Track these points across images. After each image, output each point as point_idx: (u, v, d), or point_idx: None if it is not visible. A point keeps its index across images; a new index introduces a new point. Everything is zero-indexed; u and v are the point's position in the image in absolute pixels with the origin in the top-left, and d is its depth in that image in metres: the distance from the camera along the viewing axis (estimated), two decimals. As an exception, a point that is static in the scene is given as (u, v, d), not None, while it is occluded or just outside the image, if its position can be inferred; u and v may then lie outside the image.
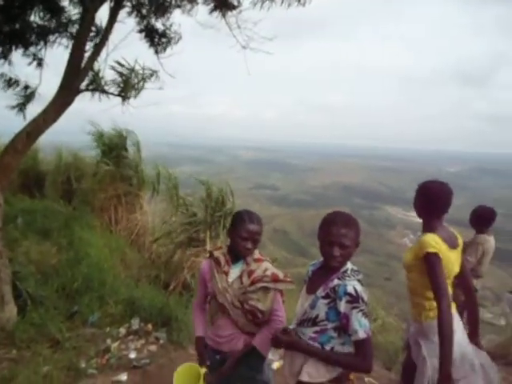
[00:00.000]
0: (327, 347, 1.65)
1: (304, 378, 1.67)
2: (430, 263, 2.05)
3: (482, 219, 3.68)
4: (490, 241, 3.60)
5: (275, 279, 1.97)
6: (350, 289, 1.59)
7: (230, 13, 5.62)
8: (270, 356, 2.92)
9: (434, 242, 2.08)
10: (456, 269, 2.21)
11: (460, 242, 2.26)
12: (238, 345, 2.00)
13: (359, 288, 1.61)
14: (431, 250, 2.04)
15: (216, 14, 5.60)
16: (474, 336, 2.27)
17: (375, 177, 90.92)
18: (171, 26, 6.01)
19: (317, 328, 1.67)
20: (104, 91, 4.96)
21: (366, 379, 3.65)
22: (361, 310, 1.58)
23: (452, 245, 2.17)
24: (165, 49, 6.07)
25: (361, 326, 1.57)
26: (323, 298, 1.67)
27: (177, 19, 6.26)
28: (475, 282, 3.58)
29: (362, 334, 1.57)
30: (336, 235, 1.65)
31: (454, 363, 2.03)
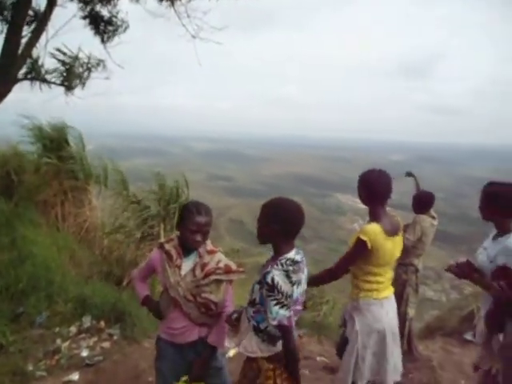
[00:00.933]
0: (262, 326, 1.73)
1: (240, 348, 1.79)
2: (354, 244, 2.23)
3: (422, 203, 3.93)
4: (426, 220, 3.84)
5: (228, 270, 2.00)
6: (269, 278, 1.63)
7: (179, 2, 5.50)
8: (226, 344, 2.99)
9: (372, 232, 2.20)
10: (397, 254, 2.36)
11: (401, 227, 2.41)
12: (192, 336, 2.02)
13: (278, 278, 1.64)
14: (363, 237, 2.18)
15: (165, 2, 5.47)
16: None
17: (326, 166, 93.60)
18: (118, 13, 5.78)
19: (254, 309, 1.75)
20: (45, 80, 4.69)
21: (318, 358, 3.83)
22: (274, 299, 1.63)
23: (393, 232, 2.30)
24: (112, 37, 5.84)
25: (272, 313, 1.63)
26: (257, 283, 1.74)
27: (124, 7, 6.03)
28: (417, 261, 3.84)
29: (271, 321, 1.64)
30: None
31: (385, 339, 2.26)
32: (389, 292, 2.39)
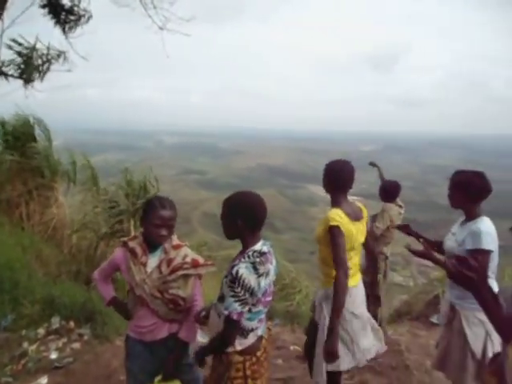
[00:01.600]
0: None
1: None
2: (331, 235, 2.23)
3: (388, 192, 4.04)
4: (394, 208, 3.95)
5: (196, 265, 1.98)
6: (234, 270, 1.64)
7: (144, -9, 5.36)
8: (200, 338, 2.98)
9: (337, 216, 2.25)
10: (360, 239, 2.41)
11: (364, 214, 2.46)
12: (161, 333, 2.00)
13: (243, 271, 1.63)
14: (333, 223, 2.22)
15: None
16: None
17: (298, 158, 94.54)
18: (79, 2, 5.55)
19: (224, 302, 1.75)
20: (1, 73, 4.45)
21: (292, 347, 3.89)
22: (233, 292, 1.62)
23: (355, 217, 2.36)
24: (74, 28, 5.61)
25: (226, 303, 1.64)
26: (226, 277, 1.73)
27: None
28: (386, 248, 3.96)
29: (223, 311, 1.65)
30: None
31: (352, 325, 2.31)
32: (356, 279, 2.43)
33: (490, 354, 2.19)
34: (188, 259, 1.98)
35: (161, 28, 5.92)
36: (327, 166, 2.46)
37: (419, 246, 2.31)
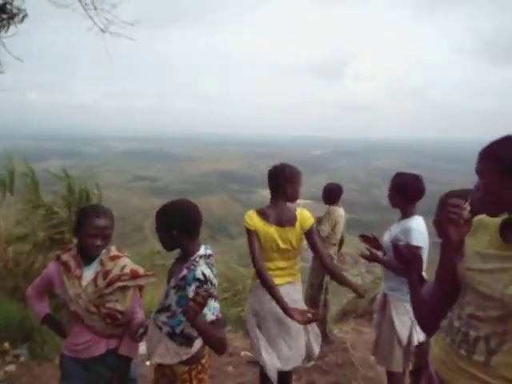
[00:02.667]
0: (177, 330, 1.70)
1: (155, 359, 1.72)
2: (247, 235, 2.41)
3: (331, 194, 4.17)
4: (338, 210, 4.10)
5: (135, 275, 1.91)
6: (198, 274, 1.62)
7: (84, -8, 5.15)
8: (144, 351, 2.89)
9: (247, 218, 2.41)
10: (287, 245, 2.40)
11: (300, 221, 2.43)
12: (99, 350, 1.90)
13: (207, 271, 1.65)
14: (245, 224, 2.41)
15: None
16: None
17: (250, 163, 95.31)
18: (13, 0, 5.22)
19: (168, 313, 1.71)
20: None
21: (242, 353, 3.89)
22: (209, 294, 1.61)
23: (278, 222, 2.40)
24: (6, 27, 5.27)
25: (209, 309, 1.61)
26: (173, 288, 1.70)
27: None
28: (332, 250, 4.07)
29: (210, 317, 1.62)
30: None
31: (267, 324, 2.38)
32: (281, 281, 2.41)
33: (415, 342, 2.41)
34: (126, 270, 1.90)
35: (102, 30, 5.71)
36: (270, 170, 2.53)
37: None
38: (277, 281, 2.39)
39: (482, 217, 1.35)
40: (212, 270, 1.69)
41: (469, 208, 1.22)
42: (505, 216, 1.29)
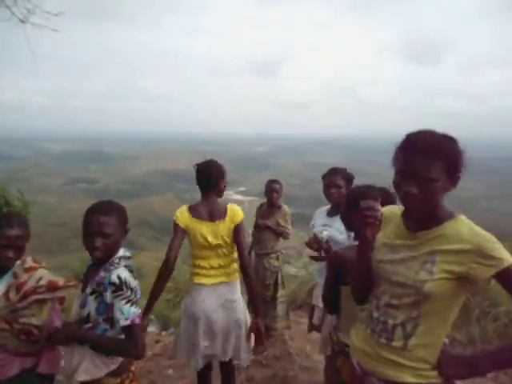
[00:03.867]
0: None
1: (81, 377, 1.60)
2: (173, 228, 2.36)
3: (278, 193, 4.14)
4: (286, 208, 4.05)
5: (52, 287, 1.79)
6: (113, 278, 1.57)
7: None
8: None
9: (178, 212, 2.38)
10: (212, 240, 2.36)
11: (230, 215, 2.39)
12: (12, 370, 1.74)
13: (124, 274, 1.59)
14: (174, 218, 2.36)
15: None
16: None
17: (195, 161, 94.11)
18: None
19: (89, 324, 1.63)
20: None
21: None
22: (124, 298, 1.56)
23: (209, 217, 2.37)
24: None
25: (123, 313, 1.54)
26: (91, 294, 1.63)
27: None
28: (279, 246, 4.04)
29: (123, 322, 1.54)
30: (95, 224, 1.60)
31: (198, 325, 2.33)
32: (214, 280, 2.38)
33: None
34: (43, 282, 1.78)
35: (22, 21, 5.27)
36: (200, 166, 2.50)
37: None
38: (211, 280, 2.37)
39: (385, 209, 1.39)
40: (131, 273, 1.64)
41: (381, 209, 1.26)
42: (402, 206, 1.35)
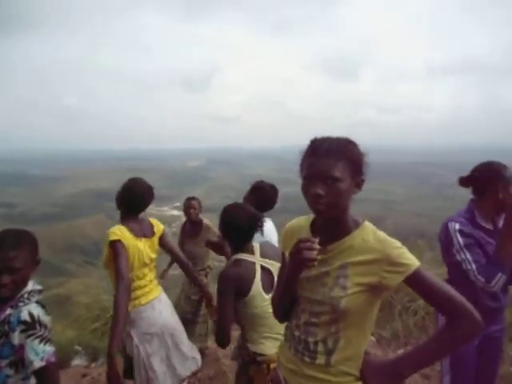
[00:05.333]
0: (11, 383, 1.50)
1: None
2: (113, 249, 2.18)
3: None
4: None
5: None
6: (24, 315, 1.45)
7: None
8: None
9: (117, 230, 2.25)
10: (151, 255, 2.43)
11: (157, 229, 2.49)
12: None
13: (36, 311, 1.49)
14: (114, 237, 2.19)
15: None
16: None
17: (125, 179, 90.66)
18: None
19: None
20: None
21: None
22: (38, 337, 1.45)
23: (143, 234, 2.39)
24: None
25: (37, 354, 1.43)
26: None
27: None
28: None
29: (38, 364, 1.43)
30: (2, 260, 1.46)
31: (166, 341, 2.34)
32: (157, 292, 2.45)
33: None
34: None
35: None
36: (128, 186, 2.44)
37: None
38: (154, 294, 2.40)
39: (292, 224, 1.41)
40: (43, 308, 1.55)
41: (317, 245, 1.17)
42: (309, 218, 1.36)
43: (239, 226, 1.88)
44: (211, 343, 4.19)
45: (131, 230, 2.31)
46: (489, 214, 1.96)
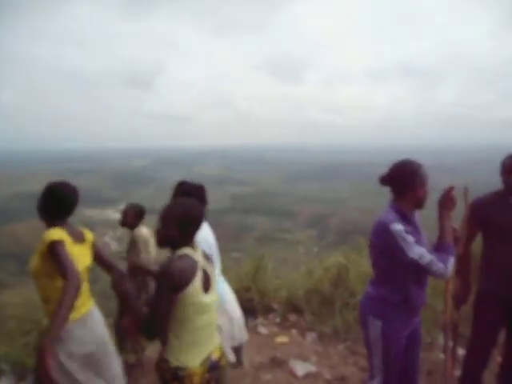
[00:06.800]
0: None
1: None
2: (55, 250, 1.93)
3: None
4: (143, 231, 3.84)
5: None
6: None
7: None
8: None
9: (58, 232, 2.03)
10: (86, 262, 2.23)
11: (88, 237, 2.30)
12: None
13: None
14: (55, 237, 1.97)
15: None
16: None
17: (69, 180, 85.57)
18: None
19: None
20: None
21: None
22: None
23: (77, 240, 2.19)
24: None
25: None
26: None
27: None
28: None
29: None
30: None
31: (99, 358, 2.18)
32: (89, 305, 2.25)
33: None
34: None
35: None
36: (57, 189, 2.22)
37: None
38: (86, 308, 2.20)
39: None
40: None
41: None
42: None
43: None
44: (149, 352, 4.01)
45: (69, 234, 2.11)
46: (410, 211, 2.07)
